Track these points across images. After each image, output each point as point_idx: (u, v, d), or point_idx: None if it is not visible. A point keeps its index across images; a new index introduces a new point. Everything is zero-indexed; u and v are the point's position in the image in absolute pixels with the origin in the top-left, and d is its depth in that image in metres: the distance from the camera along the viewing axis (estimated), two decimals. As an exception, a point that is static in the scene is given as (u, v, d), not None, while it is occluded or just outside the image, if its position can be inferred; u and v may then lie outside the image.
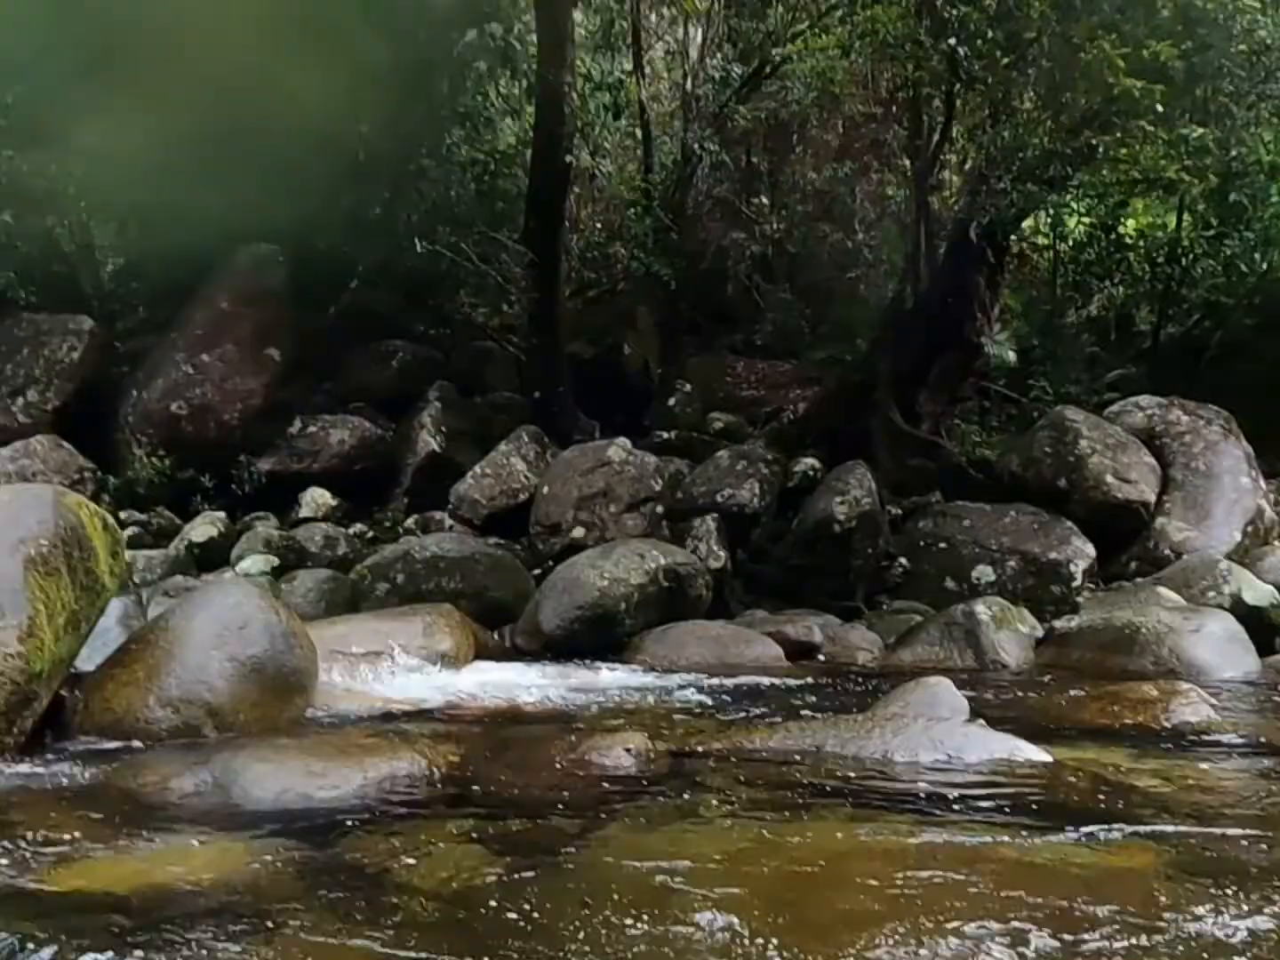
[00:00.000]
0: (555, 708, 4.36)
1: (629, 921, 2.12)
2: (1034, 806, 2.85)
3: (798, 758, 3.25)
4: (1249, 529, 8.74)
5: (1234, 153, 9.56)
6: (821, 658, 6.52)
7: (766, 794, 2.94)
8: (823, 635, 6.74)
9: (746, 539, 8.81)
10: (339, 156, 8.82)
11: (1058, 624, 6.77)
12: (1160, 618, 6.13)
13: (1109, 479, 8.87)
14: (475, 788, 3.03)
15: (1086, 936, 1.97)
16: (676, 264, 10.95)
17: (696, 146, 10.65)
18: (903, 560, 8.90)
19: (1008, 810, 2.80)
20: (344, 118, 8.73)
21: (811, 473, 9.10)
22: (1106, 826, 2.67)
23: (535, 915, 2.20)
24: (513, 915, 2.21)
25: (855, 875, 2.32)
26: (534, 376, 9.90)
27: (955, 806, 2.83)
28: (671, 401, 10.52)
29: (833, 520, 8.49)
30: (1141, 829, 2.66)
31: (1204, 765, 3.42)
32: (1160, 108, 7.48)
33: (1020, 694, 4.99)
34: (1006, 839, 2.55)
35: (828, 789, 2.98)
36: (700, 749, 3.44)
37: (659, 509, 8.40)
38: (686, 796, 2.97)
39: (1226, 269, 11.62)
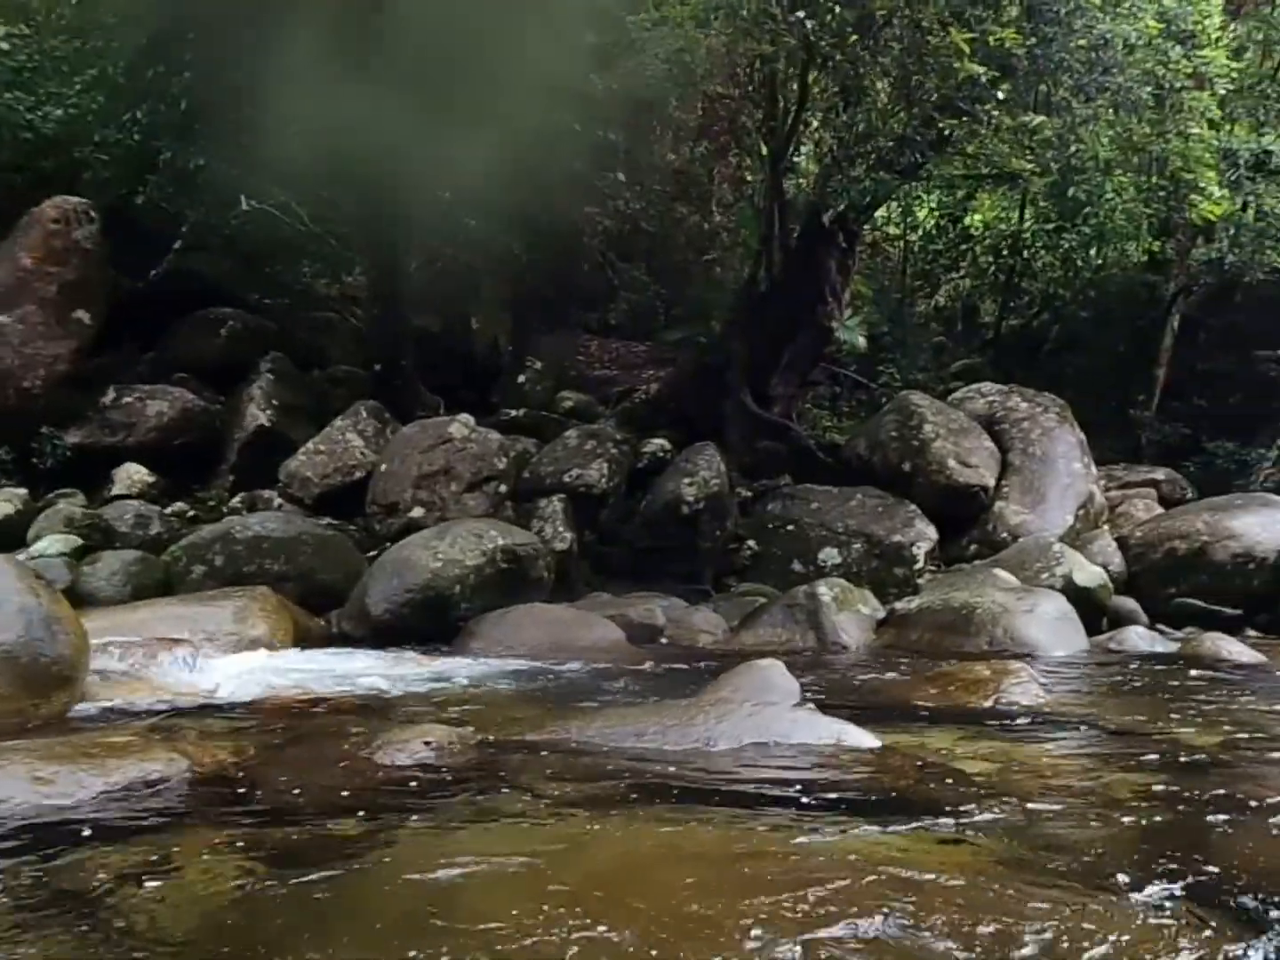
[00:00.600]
0: (364, 698, 4.01)
1: (402, 937, 1.83)
2: (858, 795, 2.68)
3: (616, 747, 3.01)
4: (1081, 513, 9.01)
5: (1073, 148, 9.81)
6: (664, 640, 6.34)
7: (576, 788, 2.69)
8: (666, 618, 6.56)
9: (595, 520, 8.59)
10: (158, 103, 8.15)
11: (898, 605, 6.77)
12: (995, 598, 6.18)
13: (951, 463, 9.01)
14: (246, 790, 2.68)
15: (903, 935, 1.77)
16: (528, 239, 10.61)
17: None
18: (751, 542, 8.84)
19: (830, 800, 2.63)
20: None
21: (661, 453, 8.94)
22: (933, 816, 2.53)
23: (297, 933, 1.89)
24: (270, 933, 1.90)
25: (660, 876, 2.10)
26: (375, 349, 9.42)
27: (776, 797, 2.65)
28: (521, 379, 10.19)
29: (681, 501, 8.36)
30: (966, 818, 2.51)
31: (1033, 746, 3.35)
32: (1002, 94, 7.56)
33: (856, 676, 4.91)
34: (825, 831, 2.37)
35: (643, 781, 2.75)
36: (513, 740, 3.17)
37: (502, 488, 8.08)
38: (487, 793, 2.69)
39: (1064, 263, 12.02)
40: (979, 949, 1.74)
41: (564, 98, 9.82)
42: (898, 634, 6.39)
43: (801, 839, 2.25)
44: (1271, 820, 2.51)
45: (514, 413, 9.55)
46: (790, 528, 8.82)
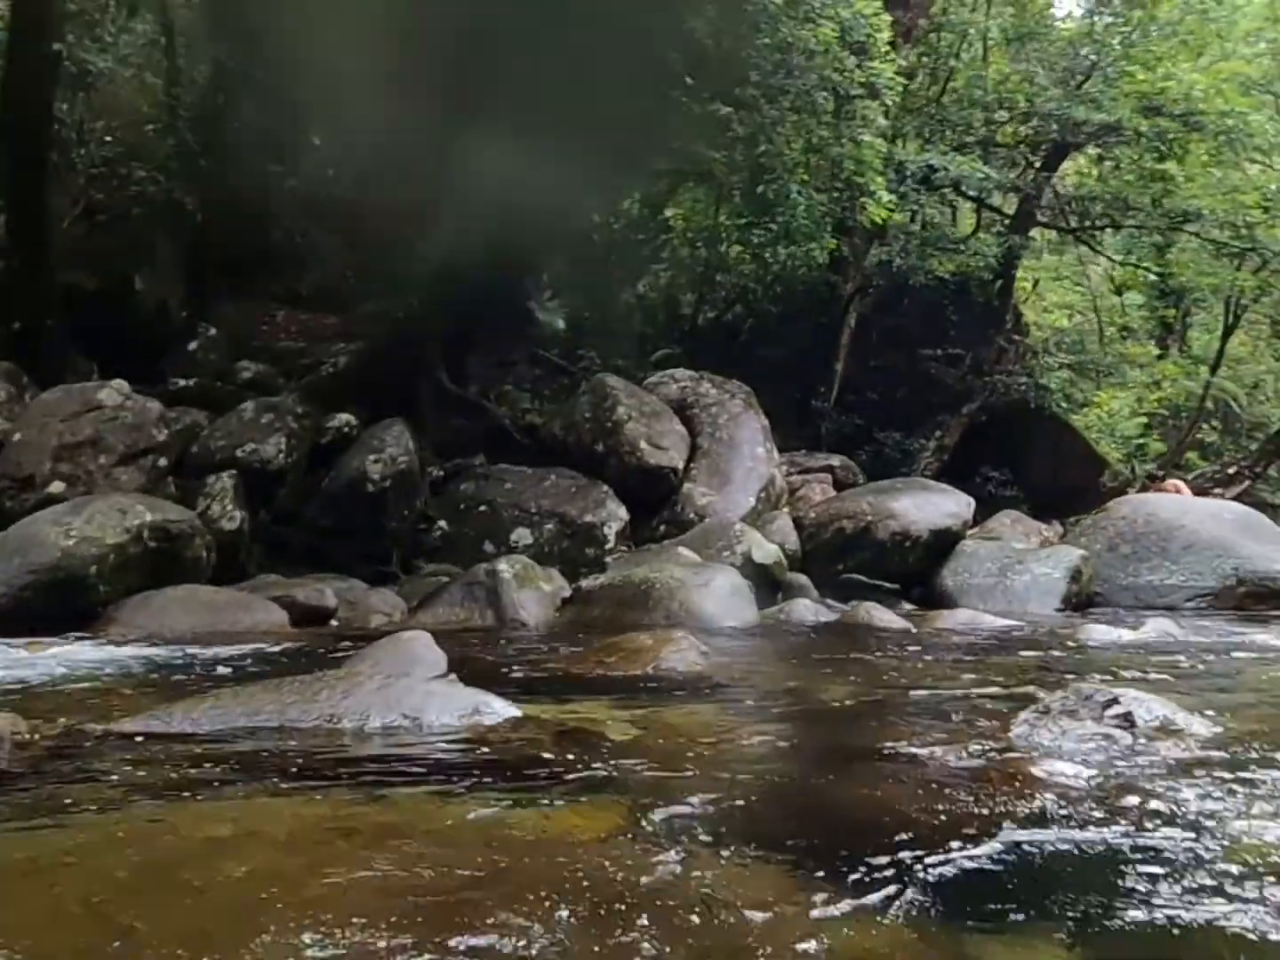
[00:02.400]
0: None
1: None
2: (487, 766, 2.52)
3: (221, 729, 2.69)
4: (763, 495, 9.42)
5: (762, 148, 10.25)
6: (335, 623, 5.96)
7: (161, 774, 2.35)
8: (339, 600, 6.18)
9: (272, 498, 8.01)
10: None
11: (584, 583, 6.75)
12: (674, 574, 6.27)
13: (643, 445, 9.15)
14: None
15: (519, 919, 1.61)
16: (207, 195, 9.76)
17: (229, 65, 9.53)
18: (442, 523, 8.57)
19: (454, 773, 2.44)
20: None
21: (347, 429, 8.46)
22: (563, 783, 2.40)
23: None
24: None
25: (240, 866, 1.82)
26: (14, 304, 8.29)
27: (395, 771, 2.43)
28: (193, 346, 9.34)
29: (366, 479, 7.96)
30: (600, 784, 2.41)
31: (680, 709, 3.33)
32: (690, 80, 7.72)
33: (526, 651, 4.78)
34: (440, 805, 2.18)
35: (245, 763, 2.45)
36: (103, 729, 2.75)
37: (162, 462, 7.35)
38: (58, 788, 2.30)
39: (755, 259, 12.55)
40: (579, 920, 1.61)
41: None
42: (581, 611, 6.35)
43: (399, 816, 2.05)
44: (878, 765, 2.58)
45: (183, 382, 8.73)
46: (483, 508, 8.64)
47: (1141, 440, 18.22)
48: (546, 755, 2.68)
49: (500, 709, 2.93)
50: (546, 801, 2.25)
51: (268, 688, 2.89)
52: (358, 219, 12.22)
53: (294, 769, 2.42)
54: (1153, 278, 17.21)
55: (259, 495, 7.82)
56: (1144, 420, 17.85)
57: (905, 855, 1.88)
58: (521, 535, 8.36)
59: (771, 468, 9.75)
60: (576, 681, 3.81)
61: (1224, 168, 14.36)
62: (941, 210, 13.71)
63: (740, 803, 2.29)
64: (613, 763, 2.59)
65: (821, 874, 1.81)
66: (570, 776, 2.47)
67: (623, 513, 8.60)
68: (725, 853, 1.93)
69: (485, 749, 2.68)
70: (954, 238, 13.35)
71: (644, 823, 2.12)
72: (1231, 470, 16.97)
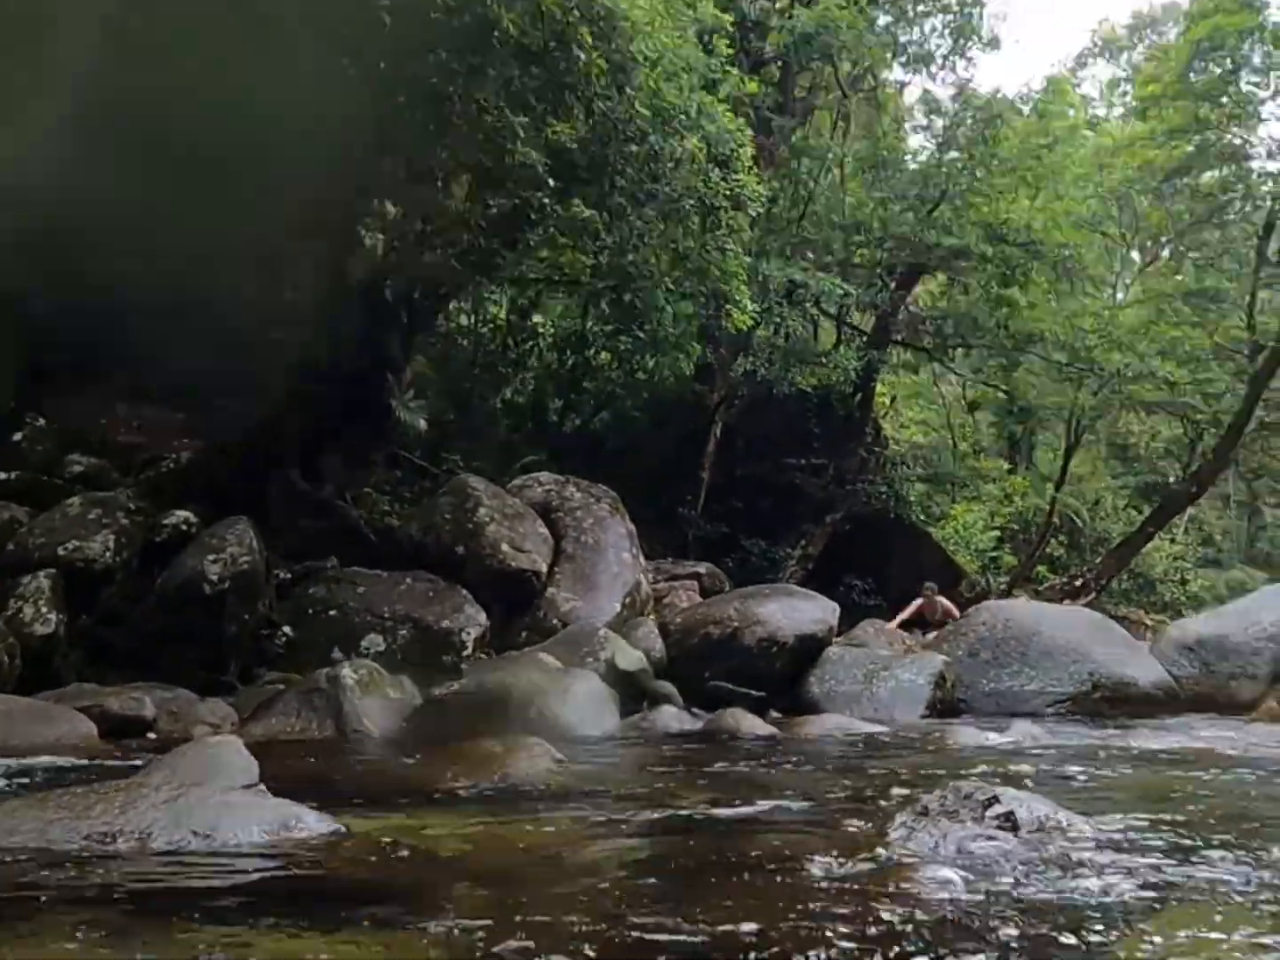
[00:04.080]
0: None
1: None
2: (280, 890, 2.14)
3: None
4: (628, 600, 9.18)
5: (631, 256, 10.37)
6: (153, 735, 5.37)
7: None
8: (160, 710, 5.61)
9: (96, 599, 7.35)
10: None
11: (437, 690, 6.31)
12: (532, 680, 5.93)
13: (505, 547, 8.84)
14: None
15: None
16: (45, 281, 9.21)
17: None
18: (287, 629, 8.01)
19: (236, 900, 2.06)
20: None
21: (186, 527, 7.89)
22: (367, 907, 2.05)
23: None
24: None
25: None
26: None
27: (163, 903, 2.03)
28: (18, 437, 8.66)
29: (203, 579, 7.38)
30: (411, 910, 2.05)
31: (525, 821, 2.99)
32: (553, 182, 7.72)
33: (361, 760, 4.36)
34: (225, 931, 1.80)
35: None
36: None
37: (-31, 560, 6.66)
38: None
39: (622, 365, 12.61)
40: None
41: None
42: (432, 720, 5.90)
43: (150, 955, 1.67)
44: (740, 879, 2.30)
45: (4, 475, 8.05)
46: (333, 613, 8.13)
47: (995, 553, 18.85)
48: (359, 876, 2.32)
49: (314, 823, 2.55)
50: (339, 931, 1.90)
51: (30, 803, 2.44)
52: (216, 315, 11.80)
53: (41, 900, 2.00)
54: (1001, 396, 18.05)
55: (82, 597, 7.16)
56: (997, 534, 18.51)
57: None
58: (373, 641, 7.87)
59: (638, 573, 9.54)
60: (414, 793, 3.42)
61: (1062, 296, 15.31)
62: (804, 325, 14.12)
63: (575, 929, 1.98)
64: (433, 883, 2.25)
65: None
66: (377, 901, 2.11)
67: (482, 618, 8.22)
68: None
69: (286, 869, 2.30)
70: (816, 351, 13.71)
71: (469, 945, 1.79)
72: (1079, 582, 17.65)
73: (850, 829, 2.69)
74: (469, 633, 8.09)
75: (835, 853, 2.34)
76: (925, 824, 2.41)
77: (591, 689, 6.02)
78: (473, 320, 13.31)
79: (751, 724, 5.93)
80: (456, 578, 8.57)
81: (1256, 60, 17.86)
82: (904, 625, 10.68)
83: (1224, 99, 17.92)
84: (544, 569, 8.96)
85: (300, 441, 9.52)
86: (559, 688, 5.86)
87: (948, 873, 2.09)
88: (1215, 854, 2.44)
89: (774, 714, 7.66)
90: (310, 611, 8.14)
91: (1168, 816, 2.94)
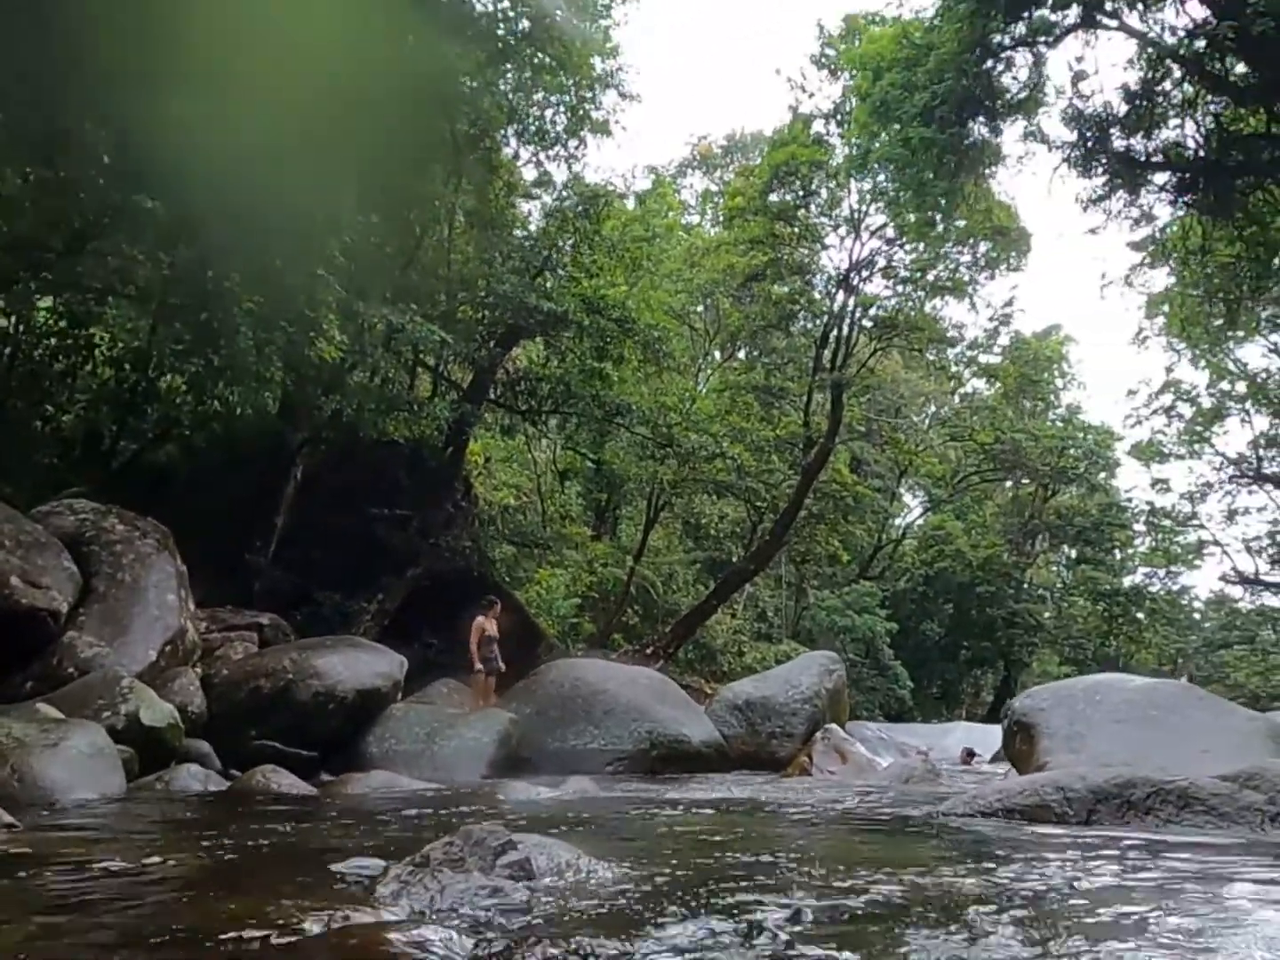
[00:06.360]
0: None
1: None
2: None
3: None
4: (169, 649, 8.07)
5: (211, 272, 9.51)
6: None
7: None
8: None
9: None
10: None
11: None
12: (13, 732, 4.89)
13: (15, 581, 7.45)
14: None
15: None
16: None
17: None
18: None
19: None
20: None
21: None
22: None
23: None
24: None
25: None
26: None
27: None
28: None
29: None
30: None
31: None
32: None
33: None
34: None
35: None
36: None
37: None
38: None
39: (193, 391, 11.38)
40: None
41: None
42: None
43: None
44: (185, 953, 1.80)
45: None
46: None
47: (576, 620, 19.31)
48: None
49: None
50: None
51: None
52: None
53: None
54: (590, 465, 18.68)
55: None
56: (578, 601, 18.99)
57: None
58: None
59: (183, 619, 8.46)
60: None
61: (650, 376, 16.22)
62: (402, 372, 13.70)
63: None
64: None
65: None
66: None
67: (-28, 663, 6.82)
68: None
69: None
70: (410, 400, 13.32)
71: None
72: (649, 650, 18.51)
73: (341, 887, 2.26)
74: (-48, 681, 6.68)
75: (308, 915, 1.91)
76: (421, 877, 2.05)
77: (93, 744, 5.08)
78: (11, 323, 11.45)
79: (286, 782, 5.32)
80: (-56, 615, 7.08)
81: (824, 195, 20.38)
82: (483, 651, 10.35)
83: (794, 222, 20.20)
84: (64, 609, 7.66)
85: None
86: (48, 741, 4.87)
87: (431, 934, 1.74)
88: (748, 897, 2.31)
89: (325, 775, 7.03)
90: None
91: (699, 860, 2.82)
